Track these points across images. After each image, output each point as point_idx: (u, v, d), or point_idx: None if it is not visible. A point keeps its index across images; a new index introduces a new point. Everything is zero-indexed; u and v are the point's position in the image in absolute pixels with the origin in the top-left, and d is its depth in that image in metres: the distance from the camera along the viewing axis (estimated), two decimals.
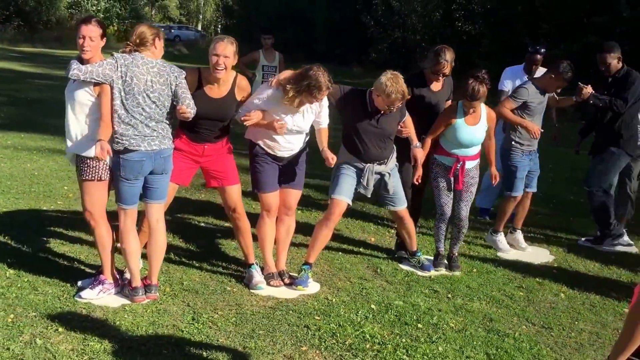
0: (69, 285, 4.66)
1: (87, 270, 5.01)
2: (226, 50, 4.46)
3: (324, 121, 5.01)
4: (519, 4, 20.28)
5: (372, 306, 4.69)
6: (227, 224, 6.49)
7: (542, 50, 7.03)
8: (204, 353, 3.87)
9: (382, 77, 4.89)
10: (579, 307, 4.98)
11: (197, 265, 5.26)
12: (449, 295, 5.02)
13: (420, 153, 5.38)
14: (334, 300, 4.78)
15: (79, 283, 4.67)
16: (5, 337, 3.86)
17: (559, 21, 18.68)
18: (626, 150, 6.27)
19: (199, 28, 70.54)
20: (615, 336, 4.47)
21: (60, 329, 3.99)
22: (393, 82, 4.82)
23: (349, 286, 5.08)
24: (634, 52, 16.29)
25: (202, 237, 6.01)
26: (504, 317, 4.68)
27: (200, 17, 78.61)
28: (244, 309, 4.52)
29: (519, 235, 6.36)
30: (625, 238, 6.58)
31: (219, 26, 72.12)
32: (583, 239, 6.65)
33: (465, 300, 4.95)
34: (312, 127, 5.03)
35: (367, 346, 4.06)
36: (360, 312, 4.57)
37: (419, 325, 4.42)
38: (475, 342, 4.22)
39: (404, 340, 4.18)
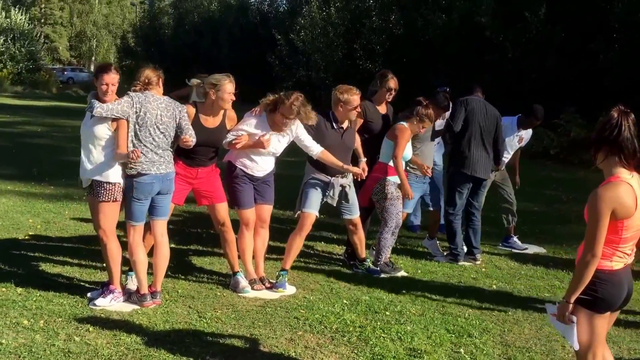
0: (78, 297, 5.25)
1: (87, 285, 5.59)
2: (234, 88, 5.31)
3: (316, 146, 5.82)
4: (418, 45, 21.99)
5: (345, 301, 5.55)
6: (194, 246, 7.19)
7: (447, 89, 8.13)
8: (220, 340, 4.60)
9: (334, 91, 5.93)
10: (510, 293, 6.04)
11: (182, 277, 5.93)
12: (404, 291, 5.94)
13: (365, 166, 6.34)
14: (311, 298, 5.60)
15: (89, 294, 5.27)
16: (45, 337, 4.44)
17: (455, 59, 20.44)
18: (463, 170, 6.95)
19: (92, 69, 69.72)
20: (542, 312, 5.52)
21: (90, 329, 4.61)
22: (345, 90, 5.85)
23: (320, 287, 5.92)
24: (519, 86, 18.23)
25: (177, 255, 6.65)
26: (453, 304, 5.65)
27: (93, 58, 77.56)
28: (238, 308, 5.27)
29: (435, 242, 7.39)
30: (519, 244, 7.76)
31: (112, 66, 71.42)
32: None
33: (418, 293, 5.89)
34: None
35: (351, 329, 4.91)
36: (336, 305, 5.42)
37: (387, 313, 5.31)
38: (435, 322, 5.15)
39: (378, 323, 5.05)
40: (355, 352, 4.50)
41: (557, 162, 16.21)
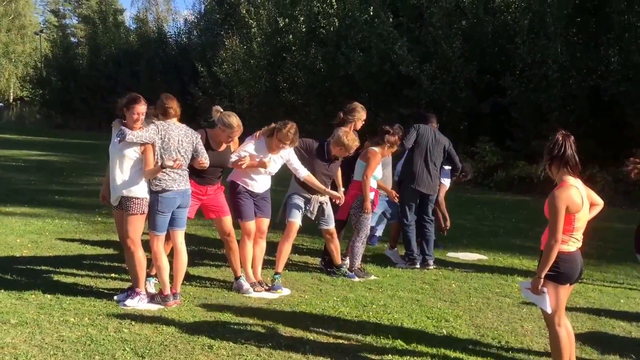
0: (105, 299, 5.94)
1: (106, 291, 6.25)
2: (241, 131, 6.27)
3: (303, 170, 6.78)
4: (339, 79, 23.33)
5: (335, 298, 6.48)
6: None
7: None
8: (246, 328, 5.43)
9: (341, 135, 6.86)
10: (468, 290, 7.13)
11: (188, 284, 6.65)
12: (381, 290, 6.94)
13: (343, 195, 7.34)
14: (306, 297, 6.50)
15: (115, 297, 5.96)
16: (98, 330, 5.14)
17: (374, 93, 21.87)
18: (409, 185, 8.16)
19: None
20: (499, 303, 6.63)
21: (132, 323, 5.33)
22: (349, 137, 6.82)
23: (309, 289, 6.82)
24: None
25: None
26: (425, 299, 6.68)
27: None
28: (249, 305, 6.10)
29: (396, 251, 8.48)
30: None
31: (13, 95, 69.46)
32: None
33: (393, 291, 6.90)
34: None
35: (349, 318, 5.86)
36: (329, 302, 6.35)
37: (374, 306, 6.28)
38: (415, 312, 6.16)
39: (370, 314, 6.02)
40: (361, 334, 5.44)
41: (475, 186, 17.78)
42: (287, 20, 26.57)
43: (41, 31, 61.14)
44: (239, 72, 27.88)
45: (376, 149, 7.41)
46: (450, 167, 8.79)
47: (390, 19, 21.69)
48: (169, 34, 39.40)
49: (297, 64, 25.53)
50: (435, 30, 20.65)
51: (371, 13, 22.92)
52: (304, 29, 25.80)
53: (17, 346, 4.74)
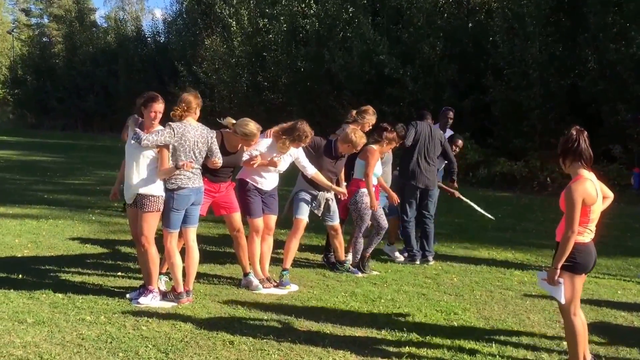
0: (117, 297, 5.96)
1: (116, 290, 6.27)
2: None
3: (310, 167, 6.89)
4: (322, 78, 23.42)
5: (343, 293, 6.57)
6: None
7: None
8: (262, 323, 5.49)
9: (349, 132, 6.97)
10: (470, 284, 7.26)
11: (196, 282, 6.63)
12: (386, 285, 7.04)
13: (345, 191, 7.44)
14: (314, 292, 6.58)
15: (128, 295, 5.98)
16: (116, 328, 5.16)
17: (357, 91, 22.03)
18: (409, 182, 8.41)
19: None
20: (502, 296, 6.77)
21: (149, 320, 5.36)
22: (357, 134, 6.92)
23: (317, 285, 6.90)
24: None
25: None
26: (430, 292, 6.80)
27: None
28: (260, 301, 6.16)
29: (394, 247, 8.61)
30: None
31: None
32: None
33: (398, 286, 7.01)
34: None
35: (361, 312, 5.95)
36: (338, 296, 6.43)
37: (382, 301, 6.38)
38: (424, 305, 6.27)
39: (380, 308, 6.12)
40: (375, 327, 5.53)
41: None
42: (266, 20, 26.58)
43: (13, 30, 60.39)
44: (219, 71, 27.82)
45: (374, 146, 7.52)
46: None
47: (370, 20, 21.85)
48: (149, 34, 39.09)
49: (278, 63, 25.57)
50: (416, 30, 20.87)
51: (350, 14, 23.07)
52: (284, 29, 25.85)
53: (39, 345, 4.75)
